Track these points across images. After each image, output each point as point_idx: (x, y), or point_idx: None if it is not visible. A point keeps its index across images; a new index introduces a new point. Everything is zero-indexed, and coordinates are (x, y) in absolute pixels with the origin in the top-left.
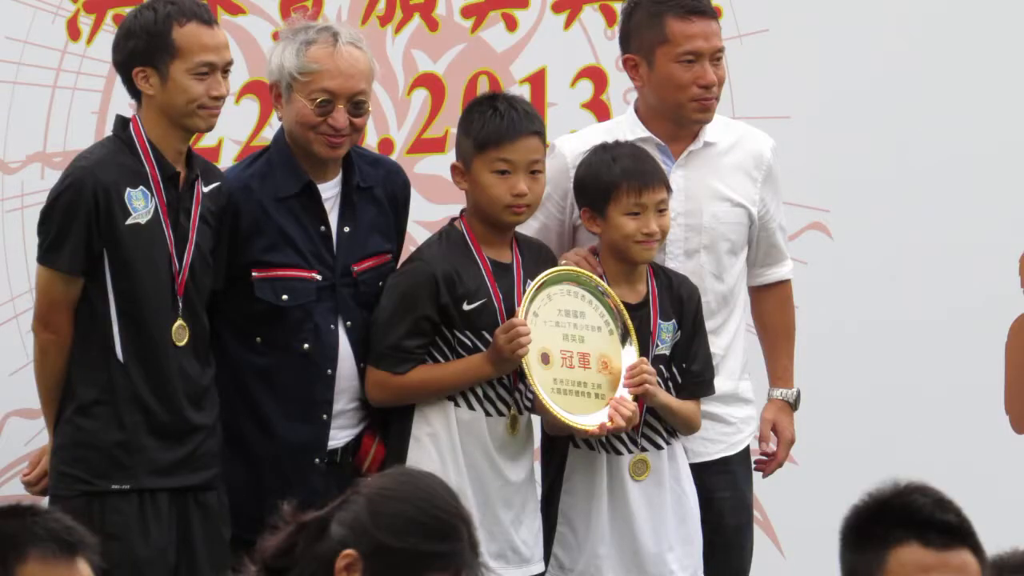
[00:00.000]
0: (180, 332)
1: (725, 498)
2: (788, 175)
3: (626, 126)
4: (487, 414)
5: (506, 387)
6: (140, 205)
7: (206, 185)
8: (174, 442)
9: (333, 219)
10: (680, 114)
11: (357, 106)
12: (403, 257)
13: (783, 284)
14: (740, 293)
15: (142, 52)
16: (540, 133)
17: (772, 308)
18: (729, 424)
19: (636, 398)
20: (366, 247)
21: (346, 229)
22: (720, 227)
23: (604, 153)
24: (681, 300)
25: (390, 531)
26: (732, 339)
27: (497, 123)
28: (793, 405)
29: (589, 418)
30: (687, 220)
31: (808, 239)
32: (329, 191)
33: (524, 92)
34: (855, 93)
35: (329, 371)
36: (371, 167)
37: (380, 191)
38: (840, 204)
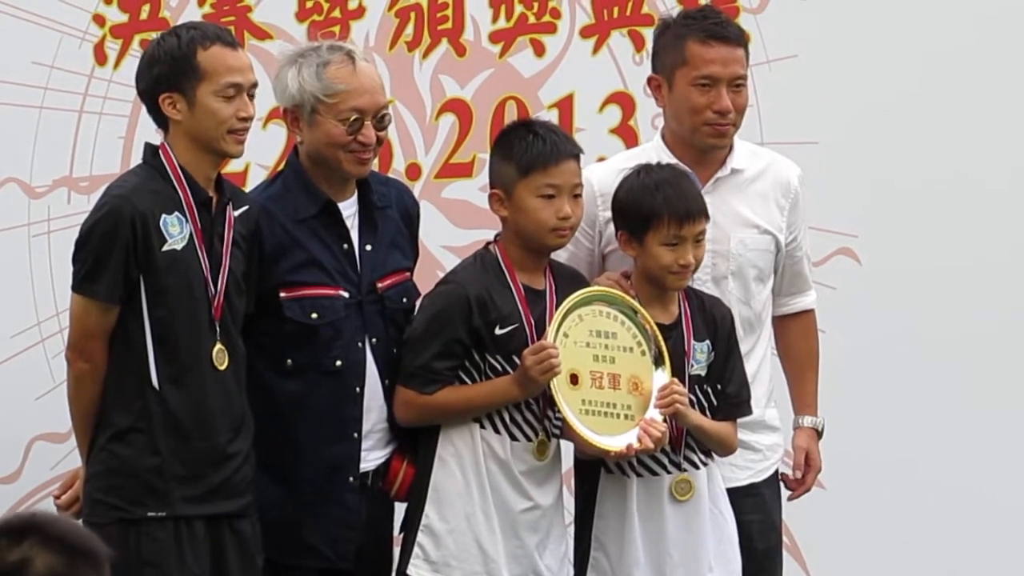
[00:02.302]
0: (220, 356)
1: (753, 521)
2: (816, 200)
3: (653, 152)
4: (513, 438)
5: (534, 413)
6: (175, 231)
7: (236, 209)
8: (210, 469)
9: (354, 237)
10: (695, 139)
11: (381, 120)
12: (416, 277)
13: (807, 313)
14: (766, 319)
15: (167, 77)
16: (579, 156)
17: (797, 337)
18: (756, 451)
19: (666, 419)
20: (387, 264)
21: (368, 247)
22: (747, 254)
23: (647, 177)
24: (715, 321)
25: None
26: (759, 366)
27: (540, 147)
28: (820, 433)
29: (617, 439)
30: (714, 247)
31: (836, 264)
32: (348, 210)
33: (552, 117)
34: (882, 118)
35: (358, 388)
36: (383, 187)
37: (395, 209)
38: (868, 229)
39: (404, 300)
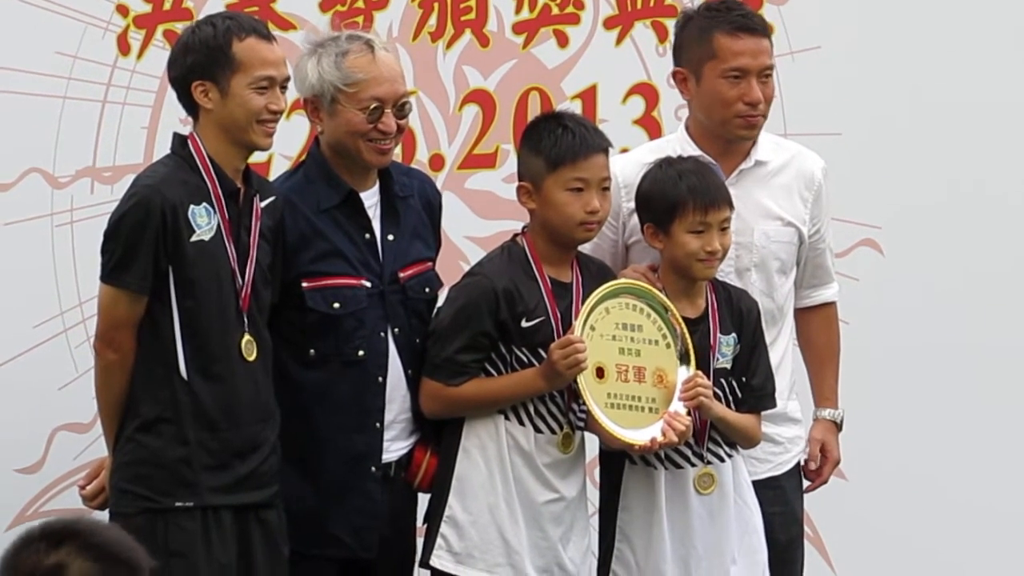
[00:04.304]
0: (249, 347)
1: (775, 513)
2: (839, 192)
3: (676, 144)
4: (538, 430)
5: (559, 406)
6: (204, 222)
7: (262, 200)
8: (238, 459)
9: (376, 227)
10: (725, 130)
11: (402, 108)
12: (439, 268)
13: (829, 306)
14: (789, 312)
15: (202, 66)
16: (607, 150)
17: (818, 329)
18: (777, 444)
19: (690, 412)
20: (410, 254)
21: (390, 237)
22: (771, 246)
23: (670, 168)
24: (741, 313)
25: None
26: (781, 358)
27: (570, 141)
28: (839, 426)
29: (641, 432)
30: (738, 238)
31: (859, 256)
32: (370, 199)
33: (575, 108)
34: (907, 109)
35: (380, 378)
36: (405, 177)
37: (417, 200)
38: (891, 221)
39: (426, 290)
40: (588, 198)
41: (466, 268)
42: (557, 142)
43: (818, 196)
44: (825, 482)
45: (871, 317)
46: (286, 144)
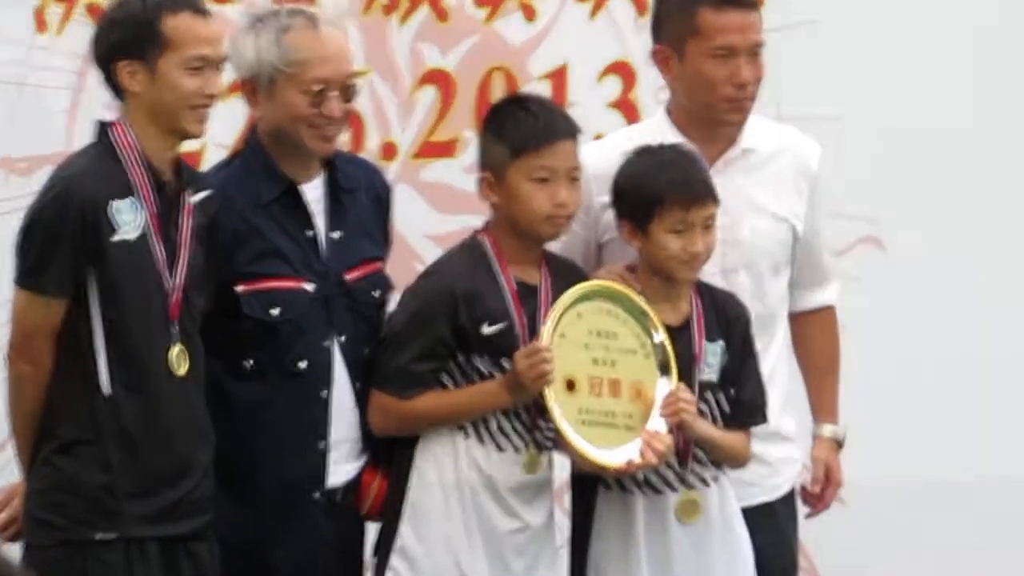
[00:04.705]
0: (179, 359)
1: (767, 543)
2: (839, 183)
3: (656, 129)
4: (500, 449)
5: (524, 423)
6: (128, 219)
7: (194, 195)
8: (166, 485)
9: (320, 223)
10: (710, 114)
11: (348, 91)
12: (392, 269)
13: (827, 310)
14: (781, 317)
15: (128, 44)
16: (577, 136)
17: (816, 336)
18: (769, 465)
19: (672, 430)
20: (357, 253)
21: (335, 234)
22: (761, 243)
23: (649, 158)
24: (728, 320)
25: None
26: (773, 368)
27: (534, 126)
28: (841, 444)
29: (616, 453)
30: (724, 235)
31: (860, 254)
32: (312, 192)
33: (543, 90)
34: (913, 90)
35: (324, 393)
36: (351, 167)
37: (364, 193)
38: (896, 215)
39: (375, 293)
40: (555, 189)
41: (421, 269)
42: (520, 127)
43: (814, 187)
44: (827, 507)
45: (873, 322)
46: (221, 131)
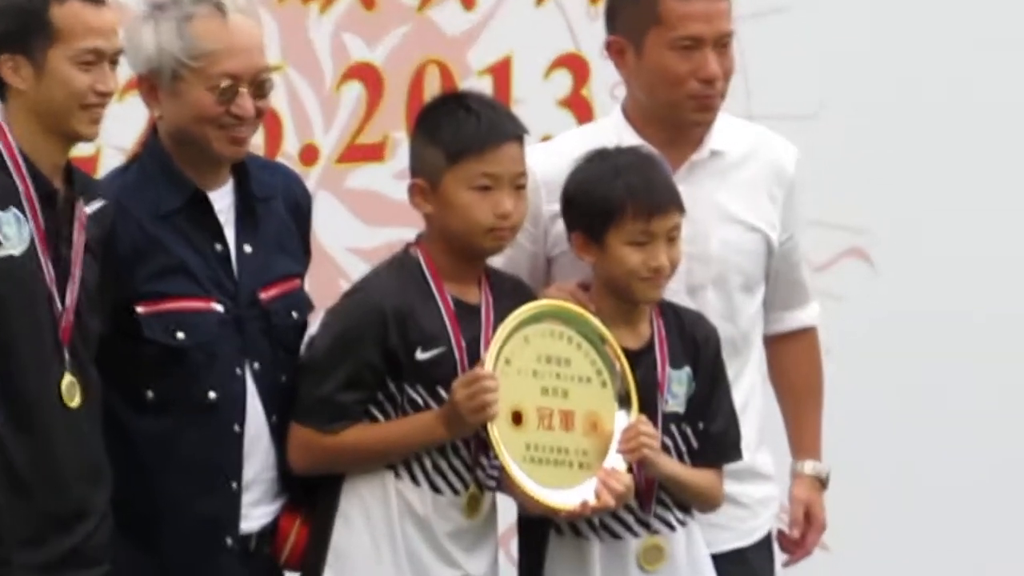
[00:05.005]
0: (71, 390)
1: None
2: (818, 188)
3: (612, 130)
4: (436, 491)
5: (464, 460)
6: (12, 232)
7: (88, 204)
8: (59, 531)
9: (230, 236)
10: (675, 114)
11: (261, 87)
12: (313, 287)
13: (808, 332)
14: (755, 340)
15: (11, 35)
16: (522, 138)
17: (795, 362)
18: (743, 507)
19: (632, 468)
20: (272, 269)
21: (247, 248)
22: (732, 257)
23: (603, 162)
24: (696, 343)
25: None
26: (746, 398)
27: (475, 127)
28: (824, 483)
29: (569, 494)
30: (691, 248)
31: (844, 269)
32: (221, 202)
33: (484, 86)
34: (901, 83)
35: (236, 427)
36: (265, 173)
37: (280, 201)
38: (884, 224)
39: (294, 314)
40: (498, 198)
41: (346, 287)
42: (458, 128)
43: (790, 193)
44: (808, 554)
45: (859, 345)
46: (118, 133)
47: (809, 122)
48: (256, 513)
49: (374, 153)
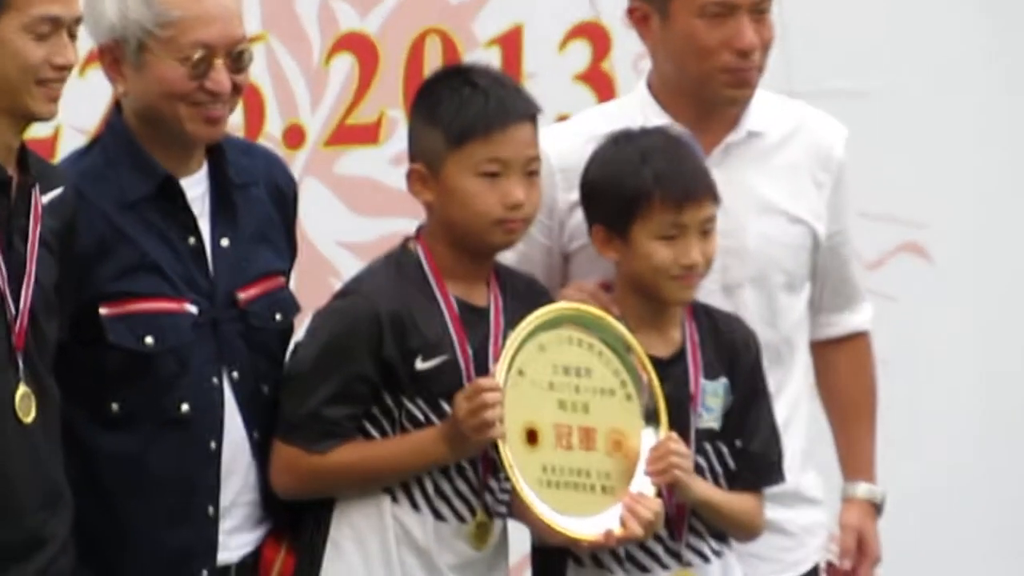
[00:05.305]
0: (25, 403)
1: None
2: (870, 174)
3: (635, 109)
4: (439, 518)
5: (471, 482)
6: None
7: (45, 194)
8: (14, 561)
9: (205, 227)
10: (706, 90)
11: (238, 59)
12: (299, 286)
13: (859, 337)
14: (800, 346)
15: None
16: (535, 118)
17: (846, 372)
18: (786, 535)
19: (662, 492)
20: (252, 266)
21: (224, 241)
22: (772, 252)
23: (626, 145)
24: (735, 350)
25: None
26: (790, 412)
27: (481, 106)
28: (879, 508)
29: (591, 522)
30: (726, 242)
31: (899, 266)
32: (194, 189)
33: (492, 59)
34: (963, 56)
35: (212, 444)
36: (244, 157)
37: (262, 189)
38: (943, 215)
39: (277, 317)
40: (508, 186)
41: (337, 286)
42: (463, 107)
43: (839, 180)
44: None
45: (915, 350)
46: (78, 112)
47: (859, 99)
48: (235, 542)
49: (367, 135)
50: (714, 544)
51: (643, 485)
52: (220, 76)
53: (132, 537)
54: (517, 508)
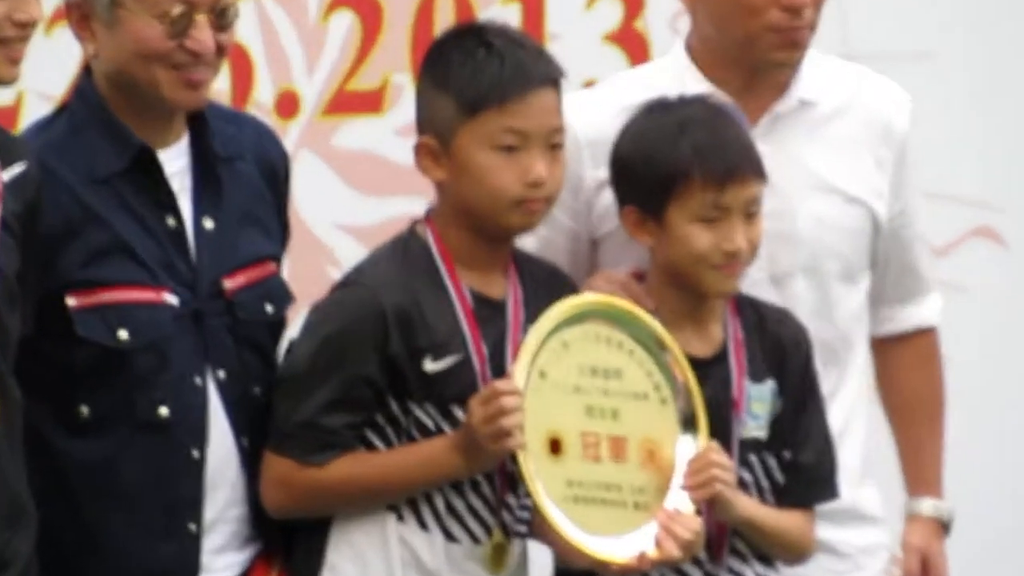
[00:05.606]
0: None
1: None
2: (936, 149)
3: (672, 74)
4: (450, 538)
5: (486, 499)
6: None
7: (6, 169)
8: None
9: (185, 206)
10: (752, 52)
11: (222, 16)
12: (292, 274)
13: (925, 333)
14: (858, 344)
15: None
16: (559, 84)
17: (910, 372)
18: (841, 557)
19: (701, 509)
20: (240, 251)
21: (207, 222)
22: (827, 236)
23: (663, 116)
24: (783, 348)
25: None
26: (847, 419)
27: (497, 70)
28: (947, 527)
29: (622, 542)
30: (774, 225)
31: (970, 252)
32: (174, 163)
33: (510, 17)
34: None
35: (196, 452)
36: (231, 127)
37: (250, 163)
38: (1019, 196)
39: (268, 308)
40: (528, 161)
41: (336, 275)
42: (477, 72)
43: (902, 155)
44: None
45: (988, 347)
46: (43, 76)
47: (925, 63)
48: (220, 563)
49: (370, 103)
50: (759, 568)
51: (680, 501)
52: (202, 35)
53: (104, 555)
54: (538, 527)
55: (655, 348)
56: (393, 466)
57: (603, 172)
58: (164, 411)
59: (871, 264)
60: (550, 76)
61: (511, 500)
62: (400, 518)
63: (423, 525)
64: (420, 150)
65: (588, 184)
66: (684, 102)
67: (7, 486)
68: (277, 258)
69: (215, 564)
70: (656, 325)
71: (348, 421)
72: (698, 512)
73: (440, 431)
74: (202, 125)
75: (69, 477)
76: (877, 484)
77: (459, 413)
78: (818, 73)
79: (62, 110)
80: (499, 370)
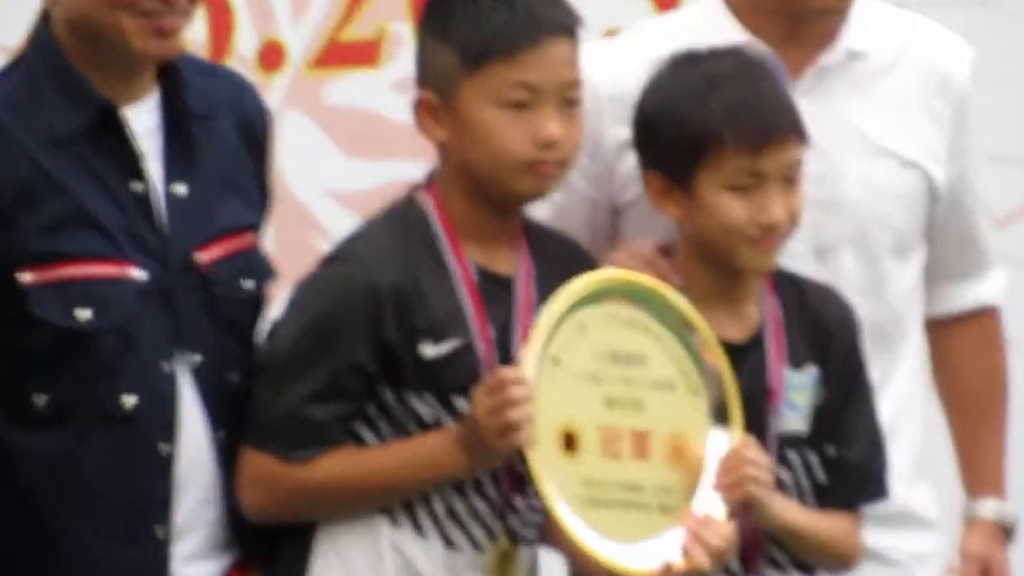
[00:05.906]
0: None
1: None
2: (999, 107)
3: (704, 22)
4: (450, 545)
5: (491, 501)
6: None
7: None
8: None
9: (155, 170)
10: (793, 1)
11: None
12: (276, 246)
13: (988, 314)
14: (912, 326)
15: None
16: (575, 33)
17: (970, 355)
18: (892, 564)
19: (734, 513)
20: (215, 219)
21: (179, 188)
22: (877, 204)
23: (692, 70)
24: (827, 331)
25: None
26: (899, 410)
27: (505, 17)
28: (1010, 531)
29: (645, 550)
30: (818, 192)
31: None
32: (141, 121)
33: None
34: None
35: (165, 447)
36: (206, 80)
37: (227, 121)
38: None
39: (246, 284)
40: (540, 119)
41: (325, 248)
42: (483, 19)
43: (961, 111)
44: None
45: None
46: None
47: (986, 9)
48: (191, 571)
49: (365, 54)
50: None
51: (710, 503)
52: None
53: (61, 561)
54: (550, 532)
55: (683, 331)
56: (386, 464)
57: (625, 132)
58: (130, 401)
59: (926, 236)
60: (565, 24)
61: (519, 502)
62: (394, 522)
63: (420, 530)
64: (419, 107)
65: (608, 145)
66: (715, 55)
67: None
68: (257, 228)
69: (185, 573)
70: (685, 305)
71: (336, 413)
72: (730, 516)
73: (440, 425)
74: (174, 79)
75: (25, 472)
76: (932, 484)
77: (461, 404)
78: (868, 21)
79: (17, 64)
80: (507, 355)
